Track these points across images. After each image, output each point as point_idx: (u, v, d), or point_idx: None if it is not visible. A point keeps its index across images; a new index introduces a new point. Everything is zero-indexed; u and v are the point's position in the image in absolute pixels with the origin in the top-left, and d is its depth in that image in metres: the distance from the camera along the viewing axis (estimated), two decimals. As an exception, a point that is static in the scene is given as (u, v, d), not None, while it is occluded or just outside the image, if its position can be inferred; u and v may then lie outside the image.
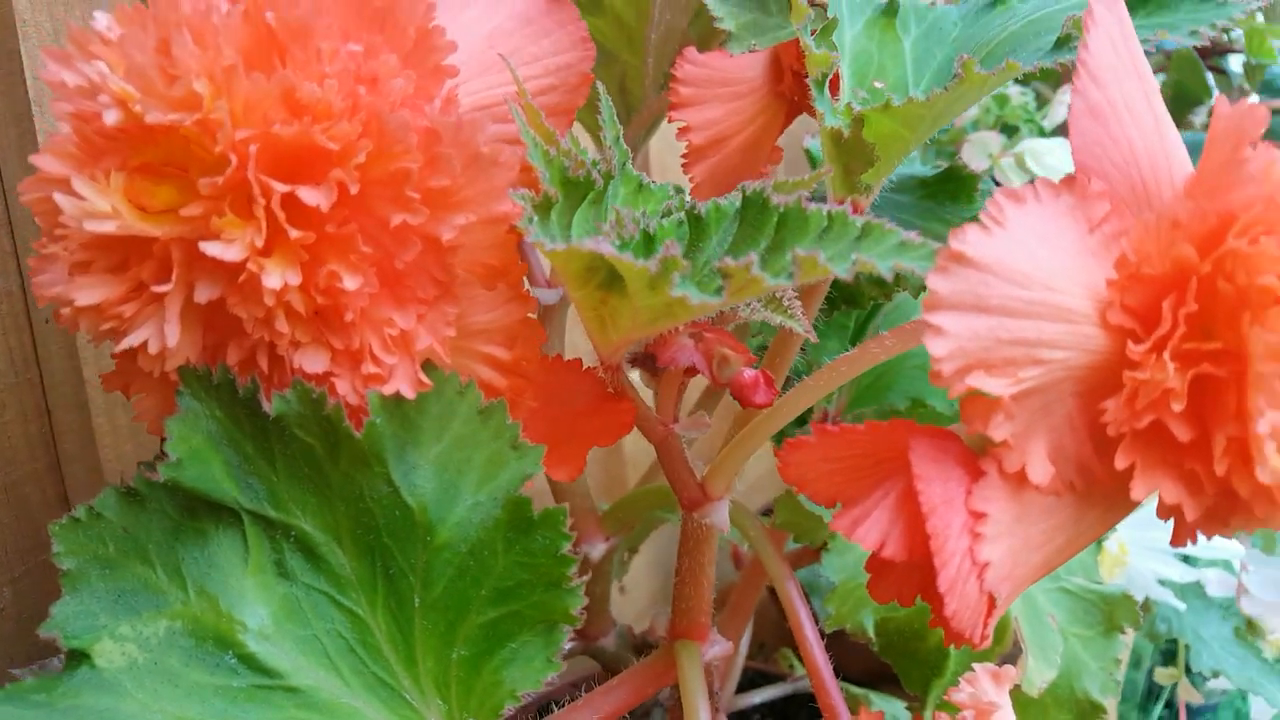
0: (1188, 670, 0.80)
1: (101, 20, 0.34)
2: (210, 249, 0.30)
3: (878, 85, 0.47)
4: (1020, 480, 0.29)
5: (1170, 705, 0.98)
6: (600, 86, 0.40)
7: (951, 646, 0.53)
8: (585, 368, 0.41)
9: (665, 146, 0.62)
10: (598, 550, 0.61)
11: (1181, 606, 0.71)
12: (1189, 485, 0.28)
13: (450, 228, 0.31)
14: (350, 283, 0.31)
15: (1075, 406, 0.29)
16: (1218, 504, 0.29)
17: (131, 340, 0.32)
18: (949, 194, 0.52)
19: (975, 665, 0.48)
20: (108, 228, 0.30)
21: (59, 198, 0.31)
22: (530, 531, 0.34)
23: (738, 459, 0.45)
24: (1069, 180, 0.30)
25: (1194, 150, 0.30)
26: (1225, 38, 1.19)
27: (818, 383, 0.40)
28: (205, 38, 0.30)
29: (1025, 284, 0.28)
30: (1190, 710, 0.87)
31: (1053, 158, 0.69)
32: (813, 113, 0.52)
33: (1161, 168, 0.31)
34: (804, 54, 0.44)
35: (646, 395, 0.44)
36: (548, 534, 0.33)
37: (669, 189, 0.41)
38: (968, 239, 0.28)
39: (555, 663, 0.35)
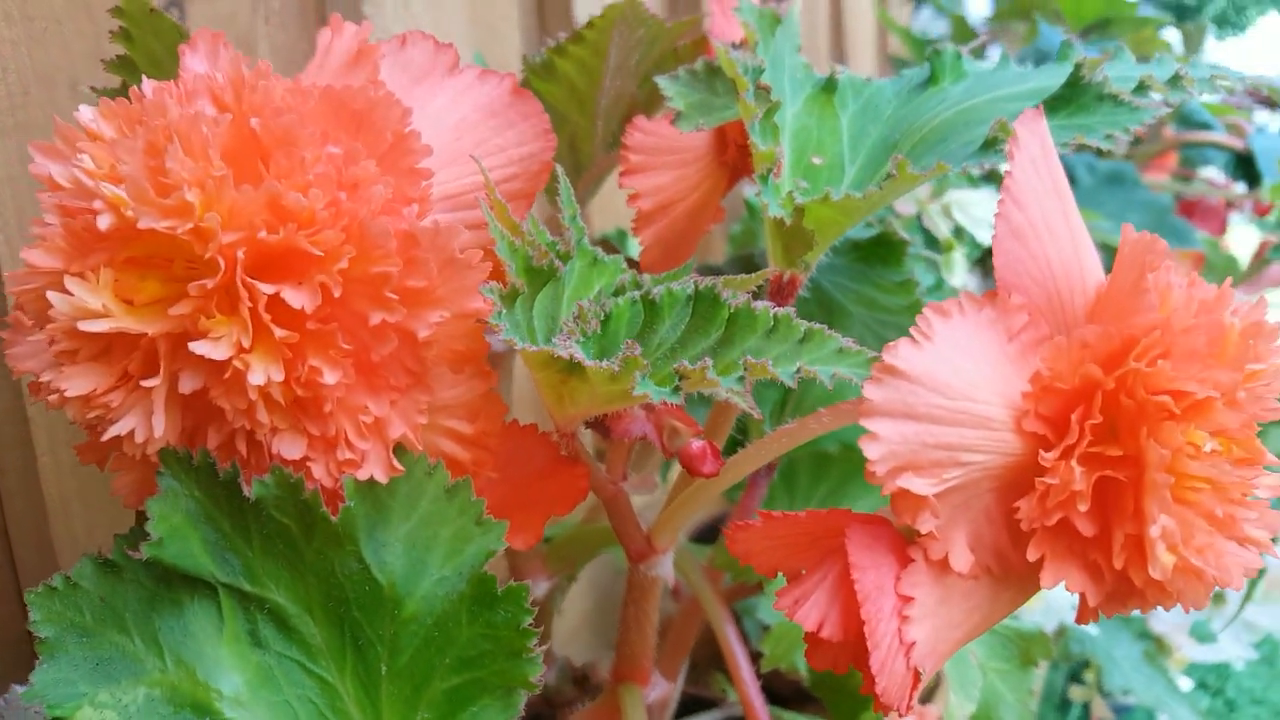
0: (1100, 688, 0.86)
1: (87, 114, 0.35)
2: (199, 348, 0.32)
3: (816, 161, 0.50)
4: (943, 567, 0.32)
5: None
6: (558, 167, 0.42)
7: (879, 681, 0.57)
8: (540, 432, 0.44)
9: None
10: (541, 589, 0.63)
11: (1094, 631, 0.76)
12: (1092, 574, 0.32)
13: (426, 325, 0.34)
14: (330, 377, 0.33)
15: (992, 501, 0.33)
16: (1116, 590, 0.32)
17: (119, 429, 0.33)
18: (880, 258, 0.55)
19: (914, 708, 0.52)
20: (100, 328, 0.32)
21: (52, 296, 0.32)
22: (494, 606, 0.36)
23: (683, 517, 0.48)
24: (990, 295, 0.33)
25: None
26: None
27: (759, 451, 0.43)
28: (195, 147, 0.32)
29: (949, 394, 0.31)
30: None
31: (978, 209, 0.73)
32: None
33: (1075, 278, 0.34)
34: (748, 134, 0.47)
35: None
36: (510, 608, 0.36)
37: (621, 263, 0.44)
38: (900, 353, 0.31)
39: (514, 722, 0.38)
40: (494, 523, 0.37)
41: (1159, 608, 0.33)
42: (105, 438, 0.33)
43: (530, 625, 0.36)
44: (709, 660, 0.91)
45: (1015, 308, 0.33)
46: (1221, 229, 1.25)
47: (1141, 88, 0.42)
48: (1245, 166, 1.16)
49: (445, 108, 0.40)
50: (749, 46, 0.48)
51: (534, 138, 0.41)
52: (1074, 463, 0.31)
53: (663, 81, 0.49)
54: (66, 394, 0.33)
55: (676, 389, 0.33)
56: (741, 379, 0.32)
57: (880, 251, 0.55)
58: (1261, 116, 1.35)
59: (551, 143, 0.41)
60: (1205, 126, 1.21)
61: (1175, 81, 0.43)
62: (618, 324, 0.40)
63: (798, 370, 0.32)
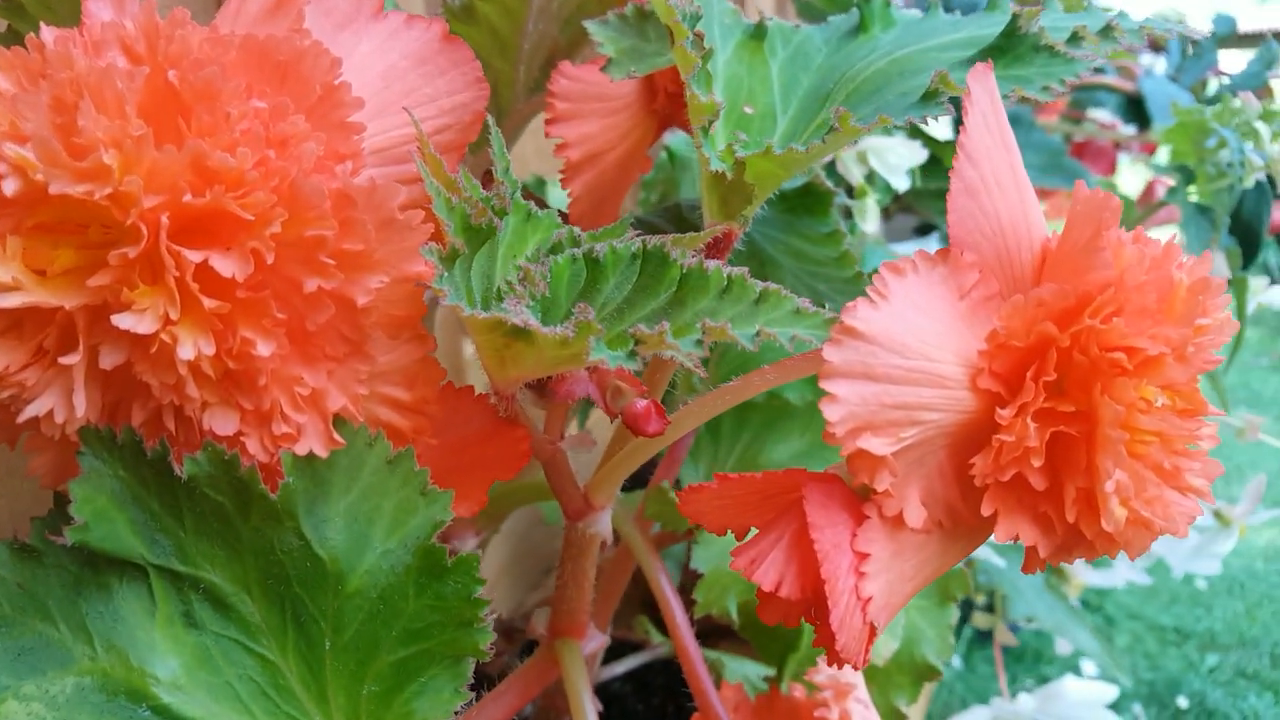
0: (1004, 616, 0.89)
1: (-24, 64, 0.32)
2: (122, 321, 0.30)
3: (748, 111, 0.49)
4: (897, 522, 0.33)
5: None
6: (490, 118, 0.40)
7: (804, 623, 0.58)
8: (476, 395, 0.42)
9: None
10: (469, 544, 0.62)
11: (1001, 562, 0.79)
12: (1043, 527, 0.32)
13: (365, 291, 0.32)
14: (264, 348, 0.31)
15: (945, 458, 0.33)
16: (1066, 541, 0.33)
17: (36, 409, 0.31)
18: (807, 208, 0.55)
19: (834, 647, 0.53)
20: (12, 302, 0.29)
21: (-51, 267, 0.29)
22: (443, 577, 0.35)
23: (620, 474, 0.48)
24: (943, 252, 0.33)
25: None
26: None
27: (700, 408, 0.43)
28: (108, 103, 0.30)
29: (906, 353, 0.31)
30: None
31: (893, 155, 0.74)
32: (685, 127, 0.54)
33: (1023, 234, 0.34)
34: (680, 79, 0.46)
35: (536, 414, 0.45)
36: (460, 579, 0.35)
37: (555, 217, 0.42)
38: (858, 314, 0.31)
39: (463, 693, 0.37)
40: (439, 493, 0.36)
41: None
42: (22, 419, 0.31)
43: (481, 595, 0.35)
44: (630, 604, 0.92)
45: (967, 265, 0.33)
46: (1111, 169, 1.29)
47: (1075, 38, 0.42)
48: (1135, 109, 1.20)
49: (371, 55, 0.38)
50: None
51: (465, 86, 0.39)
52: (1028, 419, 0.31)
53: (592, 26, 0.47)
54: (-26, 374, 0.30)
55: (633, 353, 0.32)
56: (699, 342, 0.32)
57: (807, 202, 0.55)
58: (1147, 59, 1.39)
59: (484, 91, 0.39)
60: (1097, 70, 1.24)
61: (1107, 32, 0.43)
62: (558, 283, 0.39)
63: (757, 333, 0.31)
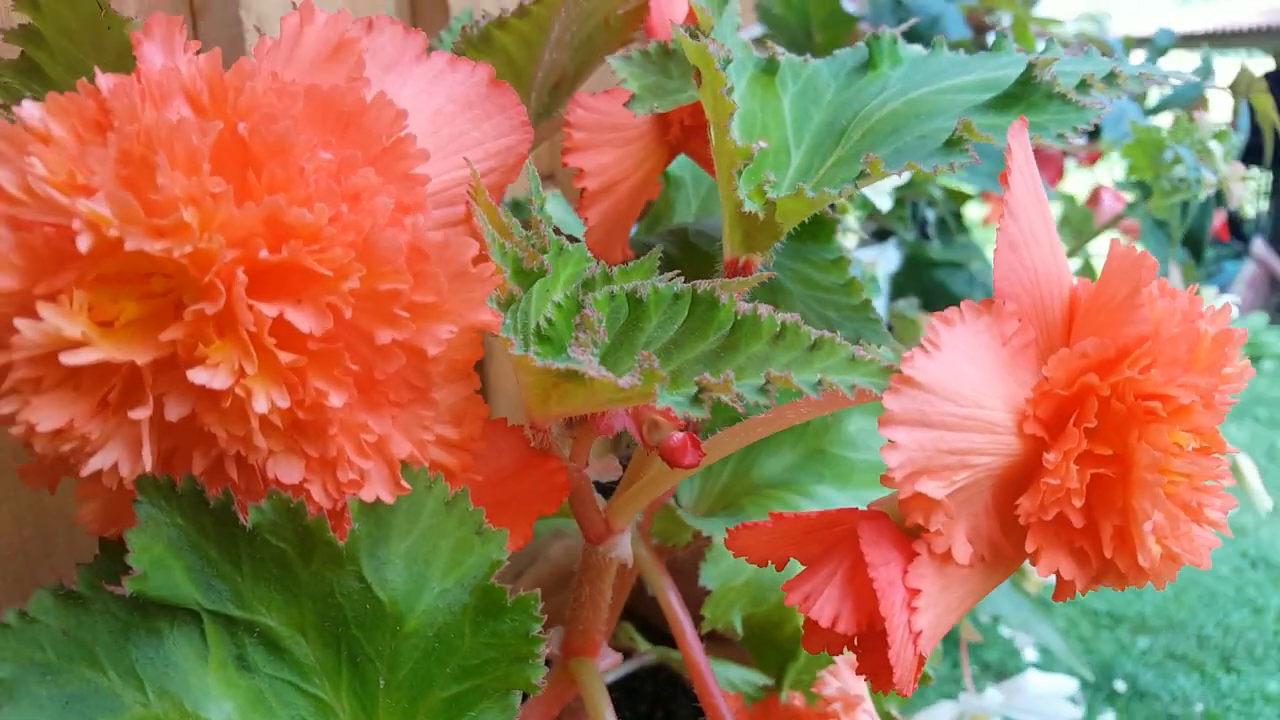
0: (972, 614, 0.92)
1: (32, 111, 0.32)
2: (198, 377, 0.30)
3: (762, 144, 0.50)
4: (945, 558, 0.34)
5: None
6: (529, 161, 0.41)
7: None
8: (509, 427, 0.43)
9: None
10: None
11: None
12: (1079, 561, 0.34)
13: (436, 342, 0.32)
14: (336, 399, 0.31)
15: (990, 497, 0.35)
16: (1099, 573, 0.35)
17: (100, 463, 0.31)
18: (812, 235, 0.56)
19: (836, 658, 0.55)
20: (84, 359, 0.29)
21: (21, 324, 0.29)
22: (501, 615, 0.36)
23: (643, 500, 0.49)
24: (987, 302, 0.34)
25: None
26: (989, 17, 1.30)
27: (730, 438, 0.44)
28: (182, 158, 0.30)
29: (960, 401, 0.33)
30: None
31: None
32: (697, 158, 0.55)
33: (1055, 284, 0.36)
34: (696, 113, 0.47)
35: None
36: (519, 617, 0.36)
37: (585, 250, 0.43)
38: (915, 364, 0.32)
39: (512, 725, 0.38)
40: (494, 532, 0.36)
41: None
42: (86, 473, 0.31)
43: (539, 632, 0.36)
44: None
45: (1009, 314, 0.34)
46: (1059, 176, 1.33)
47: (1084, 85, 0.44)
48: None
49: (417, 98, 0.38)
50: (702, 27, 0.48)
51: (511, 130, 0.39)
52: (1072, 464, 0.33)
53: (616, 62, 0.48)
54: (39, 429, 0.30)
55: (697, 400, 0.33)
56: (764, 389, 0.33)
57: (813, 228, 0.56)
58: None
59: (528, 135, 0.40)
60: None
61: (1111, 79, 0.45)
62: (593, 321, 0.39)
63: (819, 381, 0.32)
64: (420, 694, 0.37)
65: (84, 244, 0.29)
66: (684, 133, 0.53)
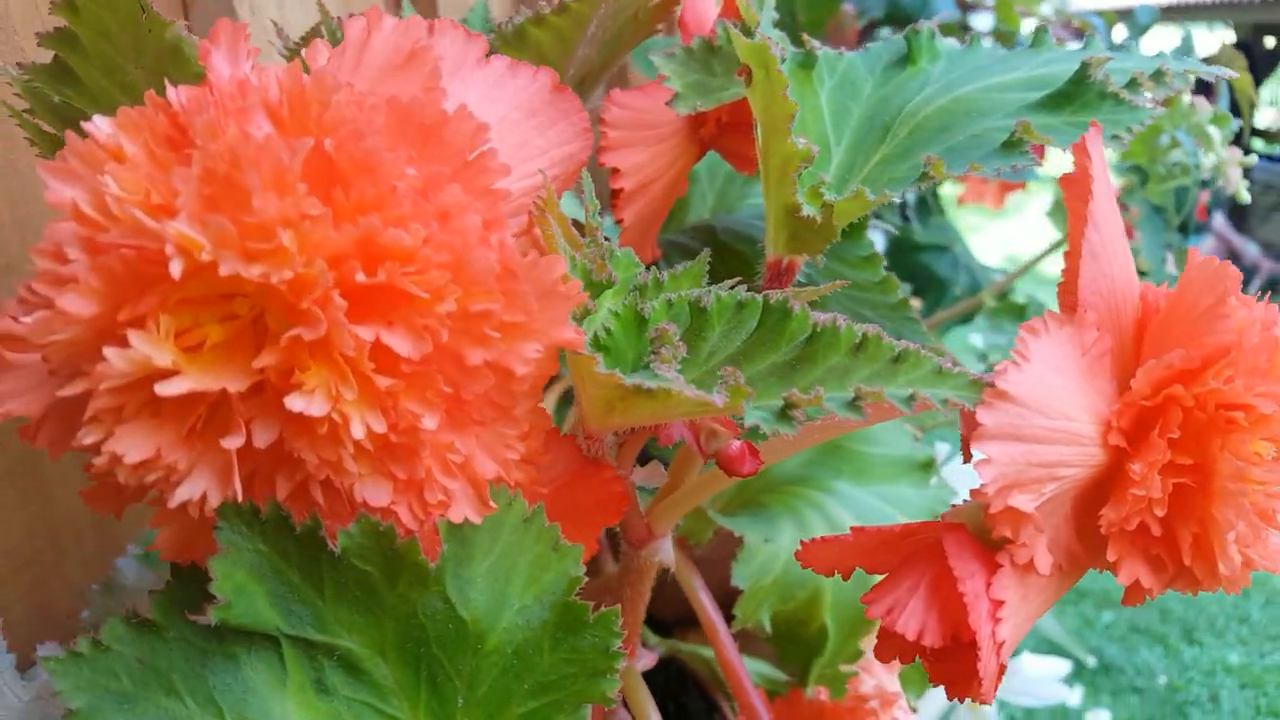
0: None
1: (103, 126, 0.31)
2: (295, 404, 0.29)
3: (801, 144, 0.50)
4: (1027, 569, 0.35)
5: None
6: (586, 174, 0.40)
7: (830, 629, 0.60)
8: (563, 436, 0.43)
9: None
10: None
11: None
12: (1155, 568, 0.35)
13: (524, 361, 0.32)
14: (430, 422, 0.31)
15: (1070, 508, 0.35)
16: (1174, 579, 0.35)
17: (188, 493, 0.30)
18: (844, 232, 0.56)
19: (868, 653, 0.55)
20: (178, 389, 0.28)
21: (110, 353, 0.28)
22: (581, 631, 0.35)
23: (687, 506, 0.49)
24: (1069, 312, 0.35)
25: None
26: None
27: (781, 445, 0.44)
28: (273, 178, 0.29)
29: (1050, 414, 0.33)
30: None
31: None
32: (729, 154, 0.55)
33: (1127, 290, 0.36)
34: (736, 110, 0.47)
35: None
36: (600, 633, 0.35)
37: (632, 255, 0.43)
38: (1008, 377, 0.32)
39: (584, 738, 0.38)
40: (569, 547, 0.36)
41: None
42: (174, 504, 0.30)
43: (619, 648, 0.36)
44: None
45: (1090, 324, 0.35)
46: (1041, 156, 1.34)
47: (1134, 84, 0.44)
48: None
49: (481, 105, 0.37)
50: (747, 22, 0.47)
51: (574, 137, 0.39)
52: (1157, 474, 0.33)
53: (658, 60, 0.47)
54: (127, 460, 0.29)
55: (786, 416, 0.33)
56: (854, 404, 0.33)
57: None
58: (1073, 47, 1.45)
59: (589, 141, 0.39)
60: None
61: (1158, 76, 0.45)
62: (652, 323, 0.39)
63: (911, 396, 0.32)
64: (497, 711, 0.36)
65: (176, 269, 0.28)
66: (719, 130, 0.52)
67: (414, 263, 0.30)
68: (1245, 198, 0.89)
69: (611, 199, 0.51)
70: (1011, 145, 0.41)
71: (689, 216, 0.66)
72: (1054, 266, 0.42)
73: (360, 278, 0.29)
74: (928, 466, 0.67)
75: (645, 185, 0.51)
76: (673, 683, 0.79)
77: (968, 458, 0.37)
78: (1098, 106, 0.43)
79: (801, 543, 0.37)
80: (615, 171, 0.50)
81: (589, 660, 0.36)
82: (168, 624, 0.34)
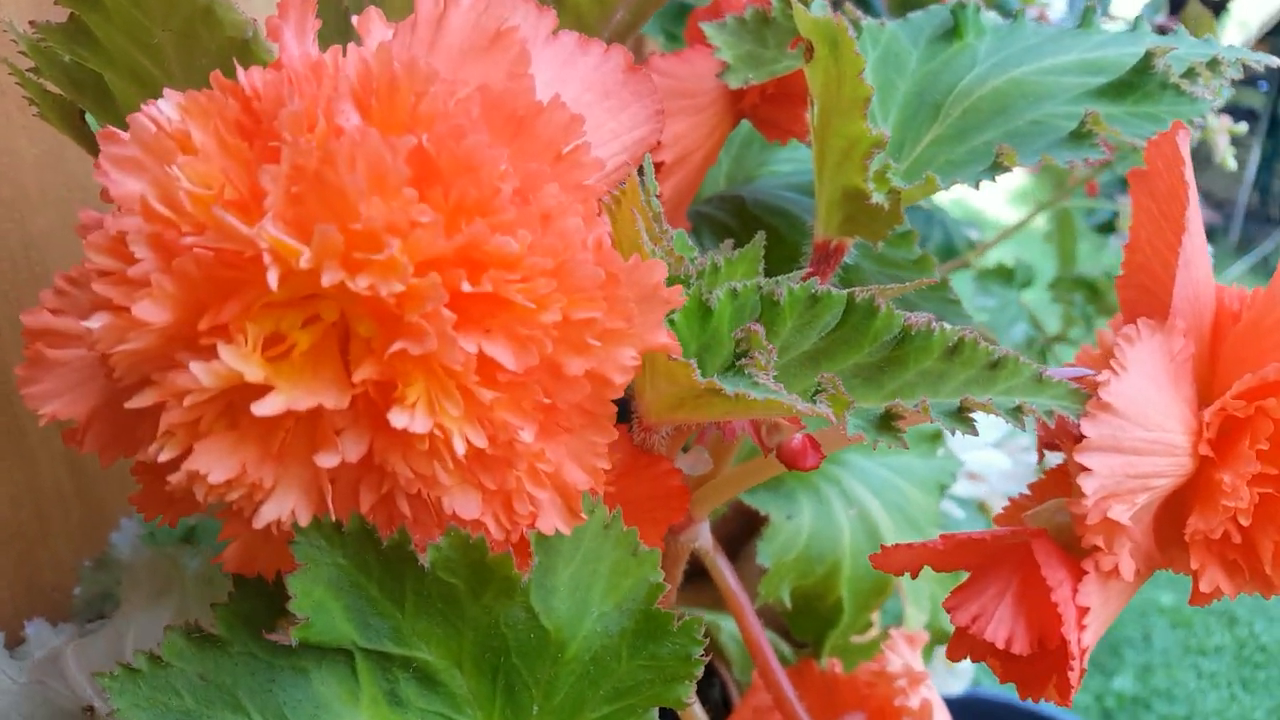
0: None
1: (167, 110, 0.28)
2: (398, 420, 0.27)
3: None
4: (1110, 575, 0.35)
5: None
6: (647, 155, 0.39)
7: (846, 602, 0.61)
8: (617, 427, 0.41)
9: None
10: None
11: (960, 514, 0.84)
12: (1231, 573, 0.35)
13: (622, 370, 0.30)
14: (528, 434, 0.29)
15: (1153, 515, 0.35)
16: (1249, 584, 0.36)
17: (274, 512, 0.28)
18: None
19: (893, 632, 0.56)
20: (274, 408, 0.26)
21: (196, 368, 0.26)
22: (662, 639, 0.34)
23: (730, 492, 0.48)
24: (1127, 308, 0.34)
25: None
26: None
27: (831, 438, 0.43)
28: (376, 179, 0.26)
29: (1148, 425, 0.32)
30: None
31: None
32: (768, 125, 0.53)
33: (1208, 296, 0.36)
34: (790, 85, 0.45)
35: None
36: (681, 641, 0.34)
37: (685, 238, 0.41)
38: (1109, 389, 0.32)
39: (653, 739, 0.37)
40: (648, 553, 0.35)
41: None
42: (260, 523, 0.28)
43: (701, 655, 0.35)
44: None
45: (1179, 331, 0.34)
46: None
47: (1192, 73, 0.44)
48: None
49: (552, 85, 0.35)
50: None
51: (646, 119, 0.37)
52: (1247, 485, 0.33)
53: (709, 29, 0.45)
54: (210, 480, 0.27)
55: (892, 429, 0.32)
56: (959, 416, 0.32)
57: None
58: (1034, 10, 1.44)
59: (661, 123, 0.37)
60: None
61: (1214, 65, 0.45)
62: (720, 319, 0.38)
63: (1018, 407, 0.32)
64: (570, 717, 0.35)
65: (273, 279, 0.26)
66: (761, 100, 0.50)
67: (519, 270, 0.28)
68: (1231, 165, 0.90)
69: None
70: (1081, 136, 0.41)
71: (704, 185, 0.64)
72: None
73: (466, 287, 0.27)
74: (935, 438, 0.67)
75: (684, 157, 0.50)
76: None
77: (1042, 457, 0.37)
78: (1159, 97, 0.42)
79: (882, 547, 0.37)
80: (655, 144, 0.48)
81: (668, 667, 0.35)
82: (232, 638, 0.32)
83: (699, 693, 0.74)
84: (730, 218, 0.56)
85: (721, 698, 0.73)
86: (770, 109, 0.51)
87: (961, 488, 0.82)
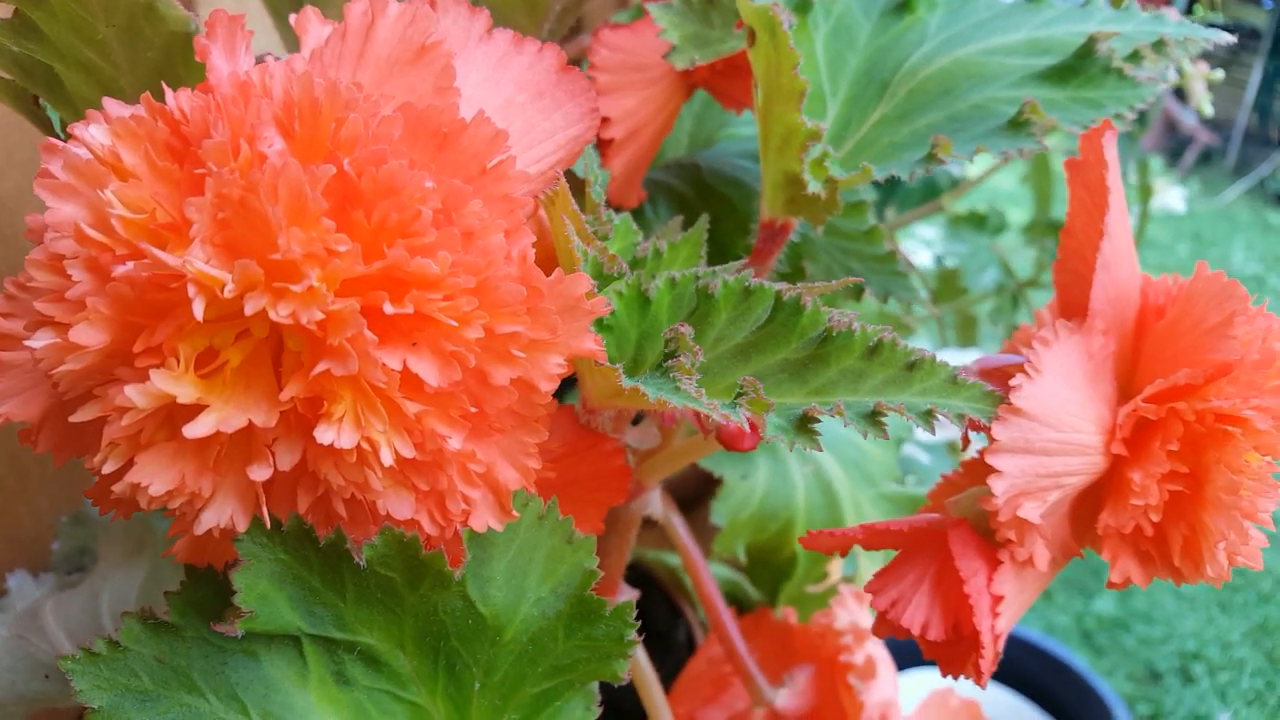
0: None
1: (98, 135, 0.29)
2: (324, 436, 0.28)
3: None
4: (1025, 564, 0.36)
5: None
6: (590, 146, 0.39)
7: (800, 555, 0.63)
8: (562, 406, 0.43)
9: None
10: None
11: (926, 458, 0.86)
12: (1144, 563, 0.37)
13: (547, 377, 0.32)
14: (455, 442, 0.31)
15: (1068, 508, 0.36)
16: (1159, 572, 0.37)
17: (213, 519, 0.30)
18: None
19: (842, 588, 0.58)
20: (205, 429, 0.27)
21: (131, 391, 0.27)
22: (596, 623, 0.36)
23: (679, 463, 0.49)
24: (1079, 321, 0.35)
25: None
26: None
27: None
28: (295, 207, 0.27)
29: (1060, 427, 0.34)
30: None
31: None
32: (721, 95, 0.53)
33: (1130, 294, 0.37)
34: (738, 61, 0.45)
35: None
36: (615, 624, 0.36)
37: (630, 222, 0.42)
38: (1021, 393, 0.33)
39: (593, 709, 0.39)
40: (583, 540, 0.37)
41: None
42: (200, 530, 0.30)
43: (633, 636, 0.37)
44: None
45: (1098, 331, 0.35)
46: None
47: (1136, 56, 0.44)
48: None
49: (483, 87, 0.36)
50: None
51: (580, 118, 0.37)
52: (1157, 484, 0.34)
53: (655, 10, 0.45)
54: (151, 491, 0.29)
55: (809, 431, 0.33)
56: (872, 419, 0.33)
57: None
58: None
59: (596, 121, 0.38)
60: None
61: (1159, 47, 0.45)
62: (659, 309, 0.39)
63: (929, 412, 0.33)
64: (511, 692, 0.37)
65: (199, 310, 0.27)
66: (712, 75, 0.51)
67: (441, 289, 0.29)
68: (1208, 111, 0.89)
69: (599, 148, 0.50)
70: (1018, 125, 0.41)
71: (666, 147, 0.64)
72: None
73: (388, 308, 0.28)
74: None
75: (635, 132, 0.50)
76: (636, 585, 0.82)
77: (966, 445, 0.38)
78: (1101, 82, 0.43)
79: (809, 532, 0.38)
80: (605, 119, 0.49)
81: (603, 646, 0.37)
82: (185, 624, 0.34)
83: (666, 635, 0.77)
84: (686, 187, 0.56)
85: (687, 638, 0.75)
86: (722, 83, 0.51)
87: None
